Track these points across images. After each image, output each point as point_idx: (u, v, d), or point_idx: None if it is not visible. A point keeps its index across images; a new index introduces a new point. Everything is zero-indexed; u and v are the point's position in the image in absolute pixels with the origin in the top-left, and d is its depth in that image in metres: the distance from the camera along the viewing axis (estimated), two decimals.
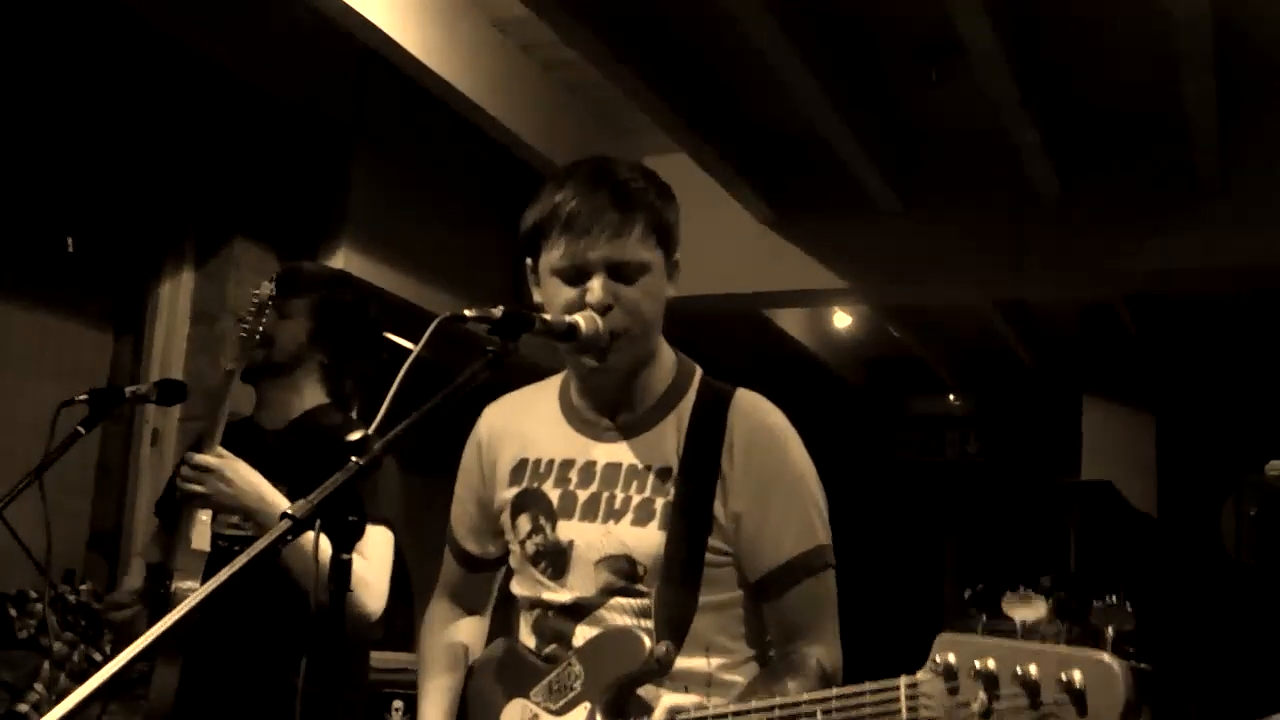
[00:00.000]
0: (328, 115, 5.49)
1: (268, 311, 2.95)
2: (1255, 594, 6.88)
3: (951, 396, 10.69)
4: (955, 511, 9.63)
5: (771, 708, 1.82)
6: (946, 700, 1.58)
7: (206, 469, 2.86)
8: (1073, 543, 8.51)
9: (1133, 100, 5.87)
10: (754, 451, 2.18)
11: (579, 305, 2.12)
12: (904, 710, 1.64)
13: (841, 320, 8.95)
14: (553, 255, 2.16)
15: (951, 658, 1.58)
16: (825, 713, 1.74)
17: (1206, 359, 8.94)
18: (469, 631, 2.46)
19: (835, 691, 1.76)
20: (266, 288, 2.95)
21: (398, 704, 4.14)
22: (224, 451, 2.89)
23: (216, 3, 4.77)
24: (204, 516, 2.93)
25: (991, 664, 1.54)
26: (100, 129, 4.78)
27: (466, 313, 1.95)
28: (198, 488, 2.86)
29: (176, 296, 5.24)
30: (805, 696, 1.79)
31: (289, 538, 1.72)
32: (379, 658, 3.26)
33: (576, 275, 2.14)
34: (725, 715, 1.89)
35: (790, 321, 8.68)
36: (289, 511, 1.72)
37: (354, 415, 3.19)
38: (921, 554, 9.80)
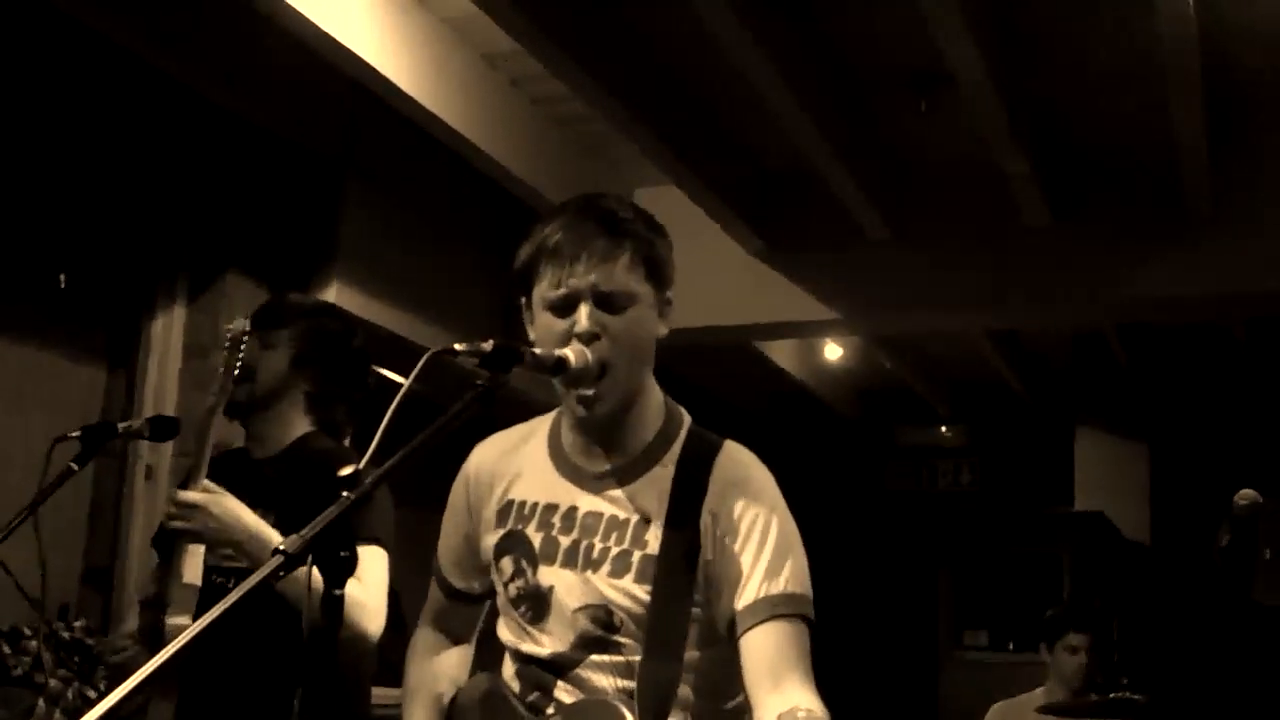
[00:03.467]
0: (318, 149, 5.49)
1: (244, 346, 2.93)
2: (1246, 623, 6.88)
3: (943, 427, 10.69)
4: (948, 542, 9.62)
5: None
6: None
7: (193, 505, 2.84)
8: (1066, 573, 8.52)
9: (1122, 129, 5.90)
10: (729, 498, 2.16)
11: (568, 337, 2.11)
12: None
13: (833, 351, 8.95)
14: (542, 287, 2.16)
15: None
16: None
17: (1199, 388, 8.96)
18: (453, 661, 2.45)
19: None
20: (240, 323, 2.94)
21: None
22: (211, 485, 2.87)
23: (206, 38, 4.78)
24: (195, 550, 2.92)
25: None
26: (92, 164, 4.80)
27: (457, 347, 1.95)
28: (185, 524, 2.85)
29: (169, 331, 5.24)
30: None
31: (280, 574, 1.71)
32: (375, 694, 3.24)
33: (564, 305, 2.13)
34: None
35: (781, 353, 8.68)
36: (280, 547, 1.71)
37: (346, 444, 3.19)
38: (914, 584, 9.78)
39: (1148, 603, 8.07)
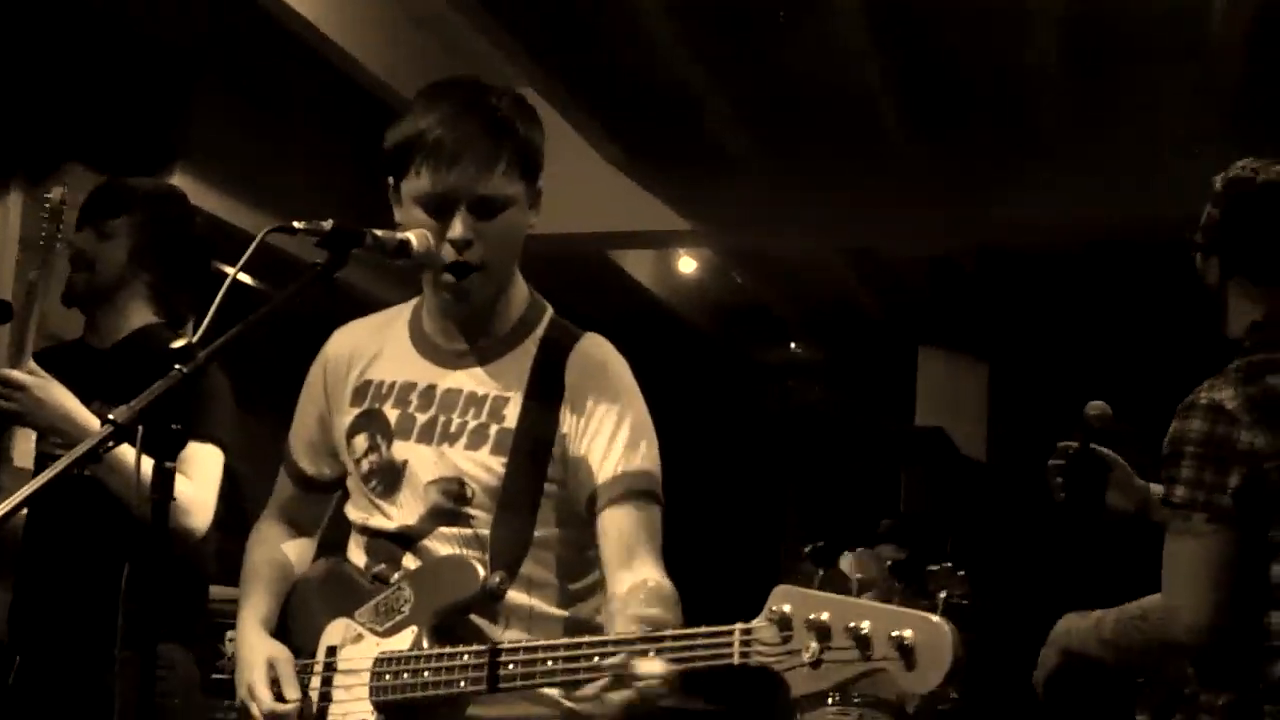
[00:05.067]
0: (169, 41, 5.34)
1: (63, 211, 2.85)
2: (1076, 535, 7.10)
3: (795, 345, 10.81)
4: (796, 457, 9.77)
5: (605, 643, 1.84)
6: (779, 648, 1.64)
7: (17, 385, 2.77)
8: (903, 488, 8.72)
9: (984, 55, 5.94)
10: (586, 381, 2.20)
11: (440, 239, 2.11)
12: (737, 655, 1.69)
13: (687, 264, 8.97)
14: (416, 183, 2.14)
15: (787, 608, 1.63)
16: (659, 651, 1.77)
17: (1039, 311, 9.15)
18: (296, 551, 2.44)
19: (670, 632, 1.79)
20: (57, 192, 2.85)
21: (231, 634, 4.14)
22: (36, 369, 2.81)
23: None
24: (26, 434, 2.87)
25: (825, 616, 1.60)
26: None
27: (296, 225, 1.94)
28: (8, 405, 2.78)
29: (6, 220, 5.09)
30: (639, 634, 1.81)
31: (110, 444, 1.72)
32: (214, 591, 3.22)
33: (439, 207, 2.12)
34: (558, 649, 1.90)
35: (638, 266, 8.68)
36: (111, 417, 1.70)
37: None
38: (764, 499, 9.93)
39: (982, 517, 8.28)
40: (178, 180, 5.32)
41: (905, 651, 1.54)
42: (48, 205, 2.84)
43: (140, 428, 1.74)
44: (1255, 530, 2.48)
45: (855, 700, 5.05)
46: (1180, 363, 2.64)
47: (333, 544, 2.44)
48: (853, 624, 1.57)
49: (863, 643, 1.56)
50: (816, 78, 6.20)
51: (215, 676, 3.33)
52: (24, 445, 2.86)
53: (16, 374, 2.78)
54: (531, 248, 2.32)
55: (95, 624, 2.71)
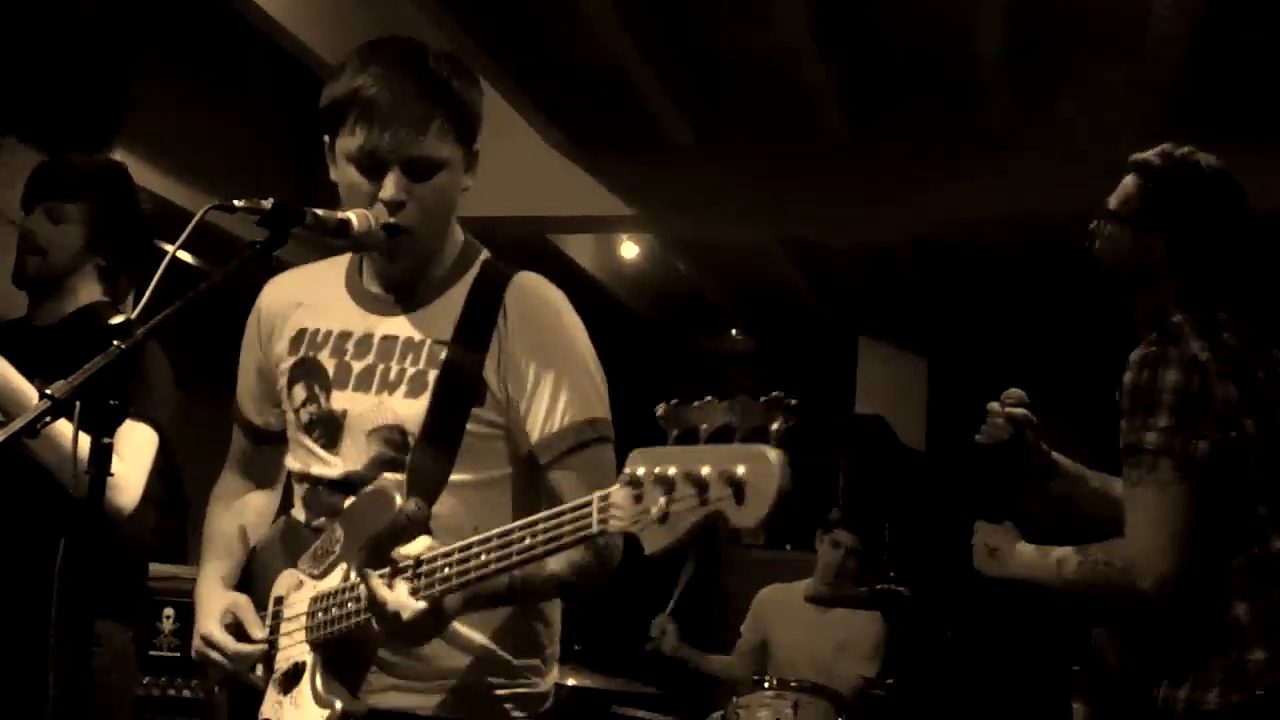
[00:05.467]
0: (108, 16, 5.28)
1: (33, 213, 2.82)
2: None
3: (734, 332, 10.83)
4: None
5: (489, 539, 1.85)
6: (633, 508, 1.64)
7: None
8: (841, 477, 8.74)
9: (925, 43, 5.97)
10: (530, 323, 2.19)
11: (373, 199, 2.10)
12: (595, 522, 1.72)
13: (629, 250, 8.97)
14: (349, 142, 2.12)
15: (640, 470, 1.64)
16: (533, 536, 1.79)
17: (979, 305, 9.22)
18: (256, 507, 2.45)
19: (541, 515, 1.80)
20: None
21: (169, 611, 4.13)
22: None
23: None
24: None
25: (671, 470, 1.60)
26: None
27: (236, 203, 1.93)
28: None
29: None
30: (517, 524, 1.83)
31: (47, 419, 1.72)
32: (153, 569, 3.21)
33: (372, 166, 2.11)
34: (451, 553, 1.90)
35: (579, 250, 8.67)
36: (49, 392, 1.70)
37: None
38: None
39: (920, 506, 8.33)
40: (120, 157, 5.28)
41: (737, 487, 1.54)
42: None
43: (78, 403, 1.72)
44: (1222, 485, 2.52)
45: (792, 685, 5.08)
46: (1117, 356, 2.68)
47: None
48: (693, 470, 1.57)
49: (700, 485, 1.57)
50: (759, 67, 6.21)
51: (152, 653, 3.31)
52: None
53: None
54: (473, 229, 2.32)
55: (31, 601, 2.70)
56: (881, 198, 6.59)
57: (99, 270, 3.08)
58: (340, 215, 2.06)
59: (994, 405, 2.88)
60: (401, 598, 1.91)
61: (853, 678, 5.39)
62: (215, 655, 2.20)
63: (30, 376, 2.77)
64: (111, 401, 1.74)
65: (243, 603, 2.24)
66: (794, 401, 1.62)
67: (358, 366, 2.21)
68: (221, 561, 2.36)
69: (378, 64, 2.13)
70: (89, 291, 3.07)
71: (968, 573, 2.82)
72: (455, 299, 2.22)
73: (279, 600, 2.22)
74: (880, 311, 9.60)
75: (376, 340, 2.22)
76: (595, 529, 1.71)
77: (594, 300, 9.55)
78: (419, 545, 1.95)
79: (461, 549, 1.88)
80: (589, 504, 1.72)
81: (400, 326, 2.22)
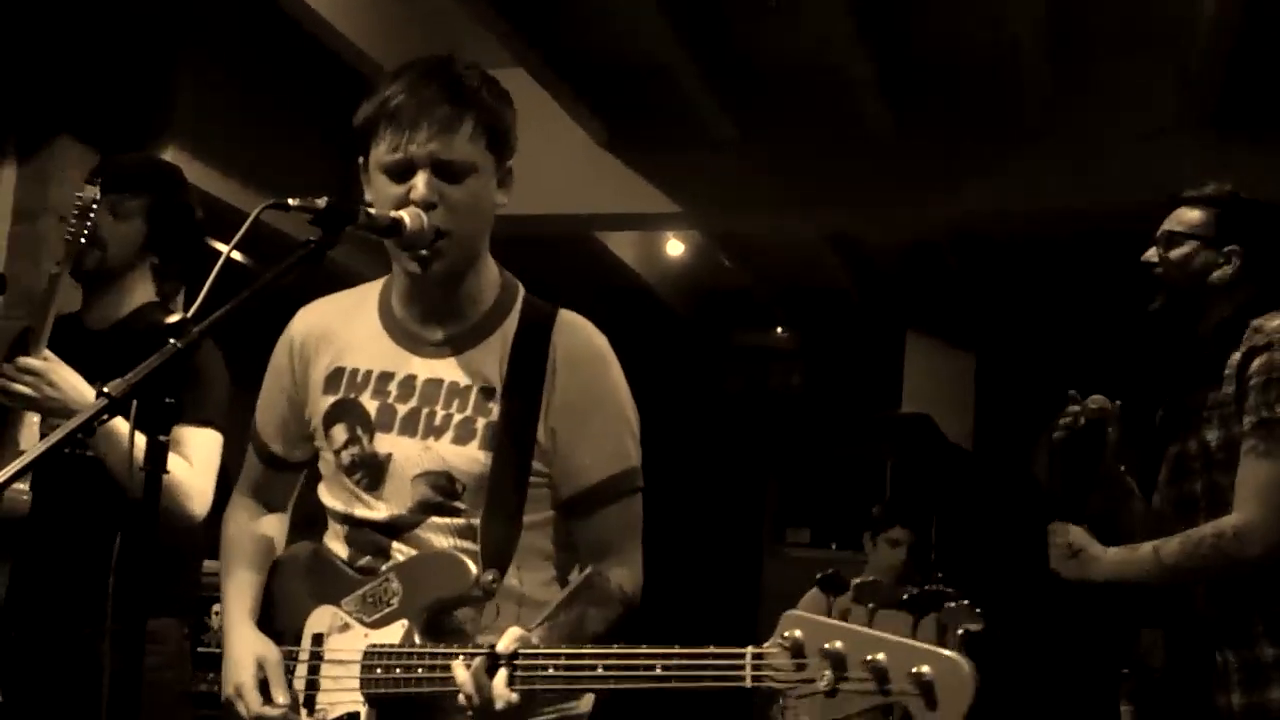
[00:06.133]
0: (155, 14, 5.32)
1: (94, 211, 2.86)
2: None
3: (778, 329, 10.80)
4: (776, 442, 9.75)
5: (608, 655, 1.83)
6: (793, 674, 1.63)
7: (32, 372, 2.77)
8: (889, 474, 8.70)
9: (965, 39, 5.94)
10: (574, 372, 2.18)
11: (404, 202, 2.07)
12: (749, 678, 1.69)
13: (675, 248, 8.96)
14: (380, 150, 2.11)
15: (799, 634, 1.63)
16: (666, 668, 1.77)
17: (1025, 300, 9.16)
18: (272, 527, 2.43)
19: (679, 650, 1.77)
20: (91, 191, 2.87)
21: (217, 608, 4.16)
22: (50, 354, 2.82)
23: None
24: (32, 418, 2.87)
25: (840, 646, 1.59)
26: None
27: (290, 201, 1.91)
28: (22, 389, 2.78)
29: None
30: (646, 650, 1.80)
31: (105, 416, 1.72)
32: (206, 565, 3.23)
33: (402, 171, 2.09)
34: (559, 657, 1.89)
35: (623, 247, 8.66)
36: (105, 390, 1.70)
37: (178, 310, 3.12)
38: (742, 484, 9.91)
39: (967, 505, 8.29)
40: (169, 155, 5.32)
41: (926, 688, 1.53)
42: (79, 203, 2.85)
43: (135, 401, 1.73)
44: None
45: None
46: (1163, 351, 2.69)
47: (301, 521, 2.44)
48: (869, 656, 1.56)
49: (880, 675, 1.56)
50: (802, 63, 6.20)
51: (201, 650, 3.33)
52: (29, 429, 2.87)
53: (28, 360, 2.80)
54: (516, 227, 2.31)
55: (89, 598, 2.73)
56: (924, 192, 6.55)
57: (153, 269, 3.10)
58: (393, 214, 2.04)
59: (1073, 393, 2.95)
60: (499, 688, 1.90)
61: None
62: (242, 709, 2.20)
63: (89, 380, 2.81)
64: (167, 399, 1.75)
65: (272, 661, 2.21)
66: (979, 610, 1.64)
67: (402, 410, 2.19)
68: (247, 593, 2.33)
69: (405, 77, 2.12)
70: (144, 290, 3.09)
71: (1016, 575, 2.83)
72: (499, 344, 2.19)
73: (318, 638, 2.20)
74: (926, 307, 9.56)
75: (420, 383, 2.19)
76: (749, 684, 1.69)
77: (638, 297, 9.56)
78: (513, 638, 1.93)
79: (571, 655, 1.88)
80: (741, 656, 1.70)
81: (445, 370, 2.19)
